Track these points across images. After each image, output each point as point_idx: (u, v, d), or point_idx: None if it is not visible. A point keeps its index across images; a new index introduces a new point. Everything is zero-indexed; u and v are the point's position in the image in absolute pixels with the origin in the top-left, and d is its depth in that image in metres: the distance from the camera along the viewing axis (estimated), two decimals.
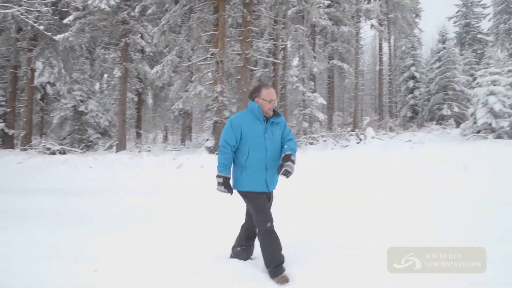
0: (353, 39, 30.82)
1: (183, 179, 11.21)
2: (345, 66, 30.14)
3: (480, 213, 5.72)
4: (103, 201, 7.69)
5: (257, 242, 4.11)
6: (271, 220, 3.93)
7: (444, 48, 33.15)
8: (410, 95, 35.43)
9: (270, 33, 25.13)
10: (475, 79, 33.75)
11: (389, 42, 37.93)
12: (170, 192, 8.89)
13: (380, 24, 34.12)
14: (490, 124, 19.78)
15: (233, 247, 4.33)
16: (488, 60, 30.65)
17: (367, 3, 31.75)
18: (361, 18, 31.22)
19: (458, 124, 29.93)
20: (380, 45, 37.54)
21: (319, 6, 18.63)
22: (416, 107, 35.18)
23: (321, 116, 22.76)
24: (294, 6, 19.94)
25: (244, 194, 3.99)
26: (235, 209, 4.83)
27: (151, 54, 25.78)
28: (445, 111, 31.48)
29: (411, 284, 3.46)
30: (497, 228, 4.93)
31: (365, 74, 50.69)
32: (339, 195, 7.66)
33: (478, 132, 20.45)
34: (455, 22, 45.15)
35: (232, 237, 4.32)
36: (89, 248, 4.63)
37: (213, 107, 19.04)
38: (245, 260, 4.22)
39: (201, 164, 12.78)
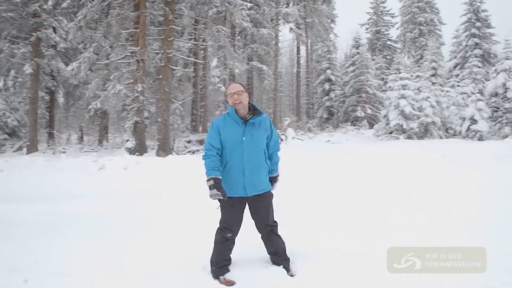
0: (272, 41, 31.37)
1: (105, 181, 10.77)
2: (264, 67, 30.51)
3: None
4: (14, 209, 7.07)
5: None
6: (234, 232, 3.91)
7: (358, 53, 34.87)
8: (326, 97, 36.85)
9: (190, 33, 24.90)
10: (385, 83, 35.93)
11: (307, 46, 39.14)
12: (92, 196, 8.48)
13: (298, 28, 35.07)
14: (401, 126, 21.13)
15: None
16: (397, 66, 32.72)
17: (286, 7, 32.55)
18: (280, 21, 31.89)
19: (370, 125, 31.68)
20: (298, 48, 38.63)
21: (242, 8, 18.76)
22: (331, 109, 36.66)
23: None
24: (216, 7, 19.88)
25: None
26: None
27: (63, 50, 24.36)
28: (359, 113, 33.12)
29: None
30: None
31: (283, 76, 51.87)
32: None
33: (391, 133, 21.76)
34: (366, 29, 47.76)
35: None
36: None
37: (133, 107, 18.47)
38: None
39: (124, 166, 12.31)
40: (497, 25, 35.12)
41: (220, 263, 3.92)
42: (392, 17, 47.69)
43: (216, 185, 3.64)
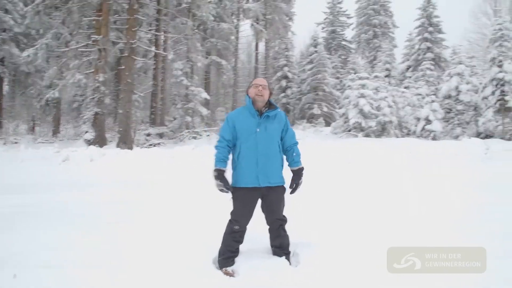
0: (232, 36, 31.30)
1: (72, 173, 10.44)
2: (223, 62, 30.44)
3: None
4: None
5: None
6: (242, 225, 3.93)
7: (315, 51, 35.34)
8: (282, 94, 37.14)
9: (148, 23, 24.38)
10: (341, 81, 36.87)
11: (266, 42, 39.31)
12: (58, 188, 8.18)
13: (258, 24, 35.15)
14: (360, 124, 21.70)
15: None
16: (352, 66, 33.60)
17: (247, 3, 32.57)
18: (240, 16, 31.89)
19: (326, 123, 32.32)
20: (257, 44, 38.67)
21: (210, 1, 18.62)
22: (288, 106, 37.00)
23: (204, 111, 22.77)
24: None
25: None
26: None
27: (11, 35, 23.09)
28: (316, 110, 33.66)
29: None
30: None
31: (240, 71, 51.84)
32: None
33: (349, 130, 22.30)
34: (323, 28, 48.50)
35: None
36: None
37: (93, 98, 17.93)
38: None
39: (90, 157, 11.96)
40: (446, 31, 36.88)
41: (226, 254, 3.95)
42: (348, 18, 48.78)
43: (219, 176, 3.73)
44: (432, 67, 30.03)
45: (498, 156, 13.28)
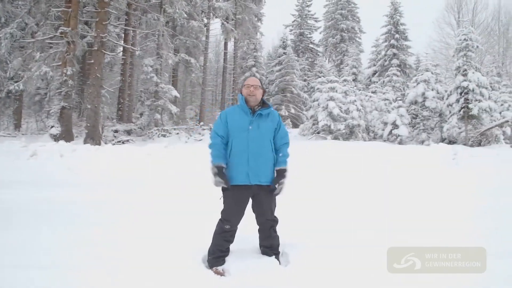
0: (201, 34, 31.04)
1: (43, 169, 10.04)
2: (192, 60, 30.11)
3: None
4: None
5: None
6: (233, 224, 3.91)
7: (284, 53, 35.56)
8: None
9: (118, 18, 23.84)
10: (308, 84, 37.24)
11: (234, 42, 39.23)
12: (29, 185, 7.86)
13: (227, 23, 35.00)
14: (329, 126, 21.92)
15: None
16: (320, 69, 33.97)
17: (216, 1, 32.35)
18: (211, 15, 31.65)
19: (293, 124, 32.56)
20: (226, 43, 38.53)
21: None
22: None
23: (174, 108, 22.45)
24: None
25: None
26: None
27: None
28: (283, 112, 33.84)
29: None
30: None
31: (207, 70, 51.56)
32: None
33: (318, 132, 22.49)
34: (291, 30, 48.84)
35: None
36: None
37: (61, 91, 17.34)
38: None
39: (60, 153, 11.51)
40: (412, 39, 37.93)
41: (216, 253, 3.92)
42: (316, 21, 49.37)
43: (219, 173, 3.70)
44: (398, 73, 30.72)
45: (464, 162, 13.71)
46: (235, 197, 3.84)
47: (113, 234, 4.67)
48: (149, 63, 21.46)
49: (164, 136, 20.57)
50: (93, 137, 16.97)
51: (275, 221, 4.08)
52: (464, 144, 19.75)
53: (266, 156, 3.87)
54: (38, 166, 10.39)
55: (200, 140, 20.04)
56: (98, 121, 17.68)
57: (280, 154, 3.98)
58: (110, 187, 7.99)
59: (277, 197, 4.02)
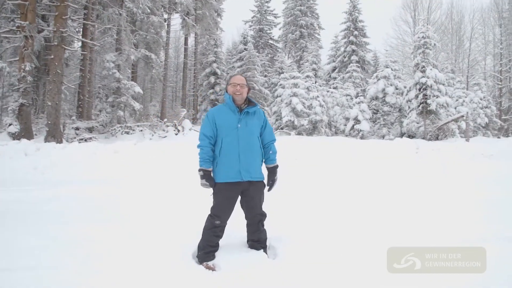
0: (162, 29, 30.59)
1: (4, 169, 9.72)
2: (153, 56, 29.63)
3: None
4: None
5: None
6: (223, 220, 3.98)
7: (245, 49, 35.53)
8: (211, 90, 36.97)
9: (75, 11, 23.11)
10: (269, 80, 37.40)
11: (195, 38, 38.91)
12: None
13: (188, 19, 34.65)
14: (293, 122, 22.17)
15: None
16: (280, 65, 34.19)
17: None
18: (171, 10, 31.23)
19: None
20: (186, 39, 38.13)
21: None
22: (217, 102, 36.90)
23: (137, 105, 22.04)
24: None
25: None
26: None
27: None
28: None
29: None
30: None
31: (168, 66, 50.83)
32: None
33: (282, 128, 22.71)
34: (250, 26, 48.82)
35: None
36: None
37: (19, 88, 16.70)
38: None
39: (24, 152, 11.13)
40: (370, 36, 38.81)
41: (206, 248, 3.97)
42: (275, 17, 49.53)
43: (205, 176, 3.87)
44: (358, 69, 31.40)
45: (427, 155, 14.26)
46: (227, 193, 3.92)
47: (96, 232, 4.61)
48: (111, 58, 20.94)
49: (127, 133, 20.20)
50: (54, 135, 16.45)
51: (263, 215, 4.18)
52: (423, 138, 20.48)
53: (256, 153, 3.99)
54: (2, 166, 10.04)
55: (164, 137, 19.79)
56: (59, 118, 17.14)
57: (270, 152, 4.14)
58: (82, 185, 7.81)
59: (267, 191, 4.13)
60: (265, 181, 4.12)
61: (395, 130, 22.83)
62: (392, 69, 23.46)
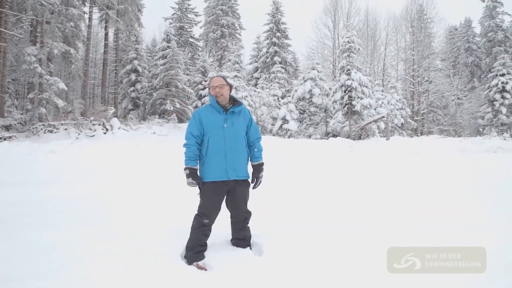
0: (81, 22, 29.14)
1: None
2: (72, 50, 28.11)
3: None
4: None
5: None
6: (211, 219, 4.07)
7: (168, 47, 34.86)
8: (132, 88, 35.89)
9: None
10: (192, 78, 37.02)
11: (116, 33, 37.52)
12: None
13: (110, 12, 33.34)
14: None
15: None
16: (202, 64, 34.07)
17: None
18: (92, 2, 29.90)
19: (179, 119, 32.20)
20: (107, 34, 36.60)
21: None
22: (137, 100, 35.90)
23: (60, 102, 20.83)
24: None
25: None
26: None
27: None
28: (168, 106, 33.20)
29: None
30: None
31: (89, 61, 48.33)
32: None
33: None
34: (170, 23, 47.97)
35: None
36: None
37: None
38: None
39: None
40: (292, 38, 39.94)
41: (196, 248, 4.03)
42: (196, 15, 49.11)
43: (191, 174, 3.95)
44: (283, 70, 32.19)
45: (360, 153, 15.14)
46: (214, 192, 4.02)
47: (70, 235, 4.48)
48: (32, 52, 19.58)
49: (51, 132, 19.09)
50: None
51: (248, 213, 4.31)
52: (347, 137, 21.58)
53: (242, 152, 4.12)
54: None
55: (92, 136, 18.97)
56: None
57: (256, 149, 4.26)
58: (39, 186, 7.41)
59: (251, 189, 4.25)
60: (250, 180, 4.22)
61: (320, 130, 23.80)
62: (318, 71, 24.42)
